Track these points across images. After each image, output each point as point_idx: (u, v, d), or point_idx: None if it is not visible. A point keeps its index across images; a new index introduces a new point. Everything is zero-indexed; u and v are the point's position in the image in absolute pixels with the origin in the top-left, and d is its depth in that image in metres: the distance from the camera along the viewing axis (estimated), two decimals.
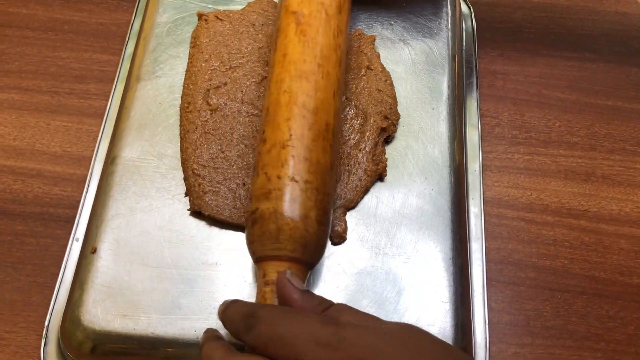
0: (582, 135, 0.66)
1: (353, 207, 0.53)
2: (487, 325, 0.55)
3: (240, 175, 0.53)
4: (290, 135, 0.46)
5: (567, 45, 0.72)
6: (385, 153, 0.55)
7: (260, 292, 0.43)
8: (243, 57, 0.59)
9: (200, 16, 0.61)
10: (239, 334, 0.39)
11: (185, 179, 0.53)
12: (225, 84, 0.57)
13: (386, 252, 0.51)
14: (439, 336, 0.48)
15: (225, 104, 0.56)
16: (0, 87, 0.66)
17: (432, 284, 0.50)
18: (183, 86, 0.58)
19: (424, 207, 0.53)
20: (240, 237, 0.51)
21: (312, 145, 0.46)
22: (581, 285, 0.58)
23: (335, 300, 0.48)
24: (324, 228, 0.45)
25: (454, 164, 0.56)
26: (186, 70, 0.59)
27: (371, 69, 0.58)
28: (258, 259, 0.44)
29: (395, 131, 0.57)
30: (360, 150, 0.54)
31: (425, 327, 0.48)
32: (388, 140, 0.57)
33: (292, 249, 0.43)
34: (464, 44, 0.68)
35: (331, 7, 0.52)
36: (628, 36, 0.73)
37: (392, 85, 0.59)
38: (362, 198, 0.54)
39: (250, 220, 0.45)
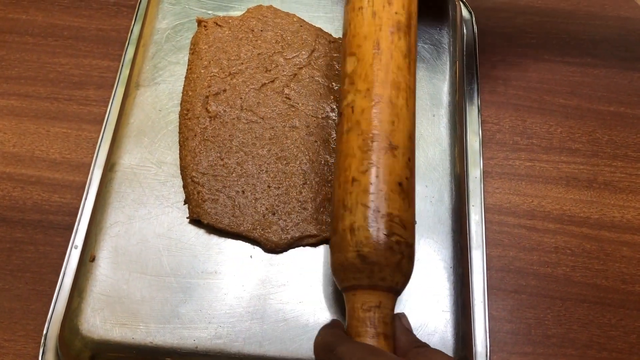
0: (584, 141, 0.66)
1: None
2: (487, 334, 0.54)
3: (239, 182, 0.52)
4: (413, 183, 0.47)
5: (569, 51, 0.71)
6: None
7: (379, 326, 0.42)
8: (242, 63, 0.58)
9: (199, 22, 0.61)
10: None
11: (184, 187, 0.53)
12: (225, 90, 0.57)
13: None
14: (439, 346, 0.48)
15: (225, 111, 0.56)
16: (0, 93, 0.66)
17: (432, 293, 0.50)
18: (182, 93, 0.57)
19: (424, 214, 0.53)
20: (239, 245, 0.51)
21: None
22: (583, 294, 0.58)
23: (334, 311, 0.49)
24: None
25: (455, 171, 0.56)
26: (185, 77, 0.58)
27: None
28: (391, 290, 0.43)
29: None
30: None
31: (425, 337, 0.48)
32: None
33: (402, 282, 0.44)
34: (465, 49, 0.68)
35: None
36: (630, 41, 0.72)
37: None
38: None
39: (408, 251, 0.44)
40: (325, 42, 0.60)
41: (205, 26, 0.60)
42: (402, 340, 0.42)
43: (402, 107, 0.47)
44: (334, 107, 0.56)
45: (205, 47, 0.59)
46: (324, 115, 0.56)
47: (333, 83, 0.58)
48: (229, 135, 0.55)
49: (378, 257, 0.42)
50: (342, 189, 0.45)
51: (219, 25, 0.60)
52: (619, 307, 0.57)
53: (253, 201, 0.52)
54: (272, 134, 0.55)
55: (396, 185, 0.44)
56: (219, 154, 0.54)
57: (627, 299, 0.58)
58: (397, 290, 0.43)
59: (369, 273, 0.42)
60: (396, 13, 0.50)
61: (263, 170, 0.53)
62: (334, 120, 0.56)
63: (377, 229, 0.42)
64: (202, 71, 0.57)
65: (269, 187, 0.52)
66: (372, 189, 0.44)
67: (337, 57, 0.59)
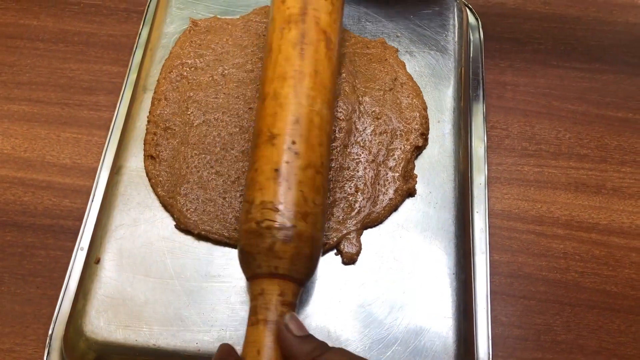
0: (593, 147, 0.65)
1: (375, 226, 0.53)
2: (490, 341, 0.54)
3: (220, 187, 0.53)
4: (322, 162, 0.46)
5: (577, 56, 0.71)
6: (415, 167, 0.55)
7: (276, 311, 0.42)
8: (232, 63, 0.59)
9: (195, 24, 0.62)
10: None
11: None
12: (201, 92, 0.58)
13: (389, 267, 0.51)
14: (441, 352, 0.47)
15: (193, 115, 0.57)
16: (12, 98, 0.66)
17: (434, 299, 0.50)
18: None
19: (427, 221, 0.53)
20: None
21: (327, 176, 0.47)
22: (592, 299, 0.57)
23: (336, 315, 0.48)
24: None
25: (459, 177, 0.55)
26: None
27: (401, 82, 0.58)
28: (274, 275, 0.43)
29: (427, 144, 0.57)
30: (391, 168, 0.54)
31: (427, 343, 0.48)
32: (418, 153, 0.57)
33: (307, 273, 0.44)
34: (471, 55, 0.68)
35: (338, 50, 0.52)
36: (639, 47, 0.72)
37: (423, 99, 0.58)
38: (387, 217, 0.53)
39: (281, 234, 0.43)
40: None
41: (192, 28, 0.61)
42: (294, 350, 0.40)
43: (286, 95, 0.47)
44: (338, 108, 0.56)
45: (177, 49, 0.60)
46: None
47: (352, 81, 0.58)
48: (196, 138, 0.55)
49: (250, 247, 0.43)
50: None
51: (208, 28, 0.61)
52: (629, 313, 0.57)
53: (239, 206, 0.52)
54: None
55: (272, 172, 0.44)
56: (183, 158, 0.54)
57: (636, 305, 0.57)
58: (281, 275, 0.42)
59: (247, 263, 0.44)
60: (288, 8, 0.51)
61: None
62: (338, 122, 0.56)
63: (248, 220, 0.44)
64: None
65: None
66: (250, 183, 0.46)
67: (346, 53, 0.59)
